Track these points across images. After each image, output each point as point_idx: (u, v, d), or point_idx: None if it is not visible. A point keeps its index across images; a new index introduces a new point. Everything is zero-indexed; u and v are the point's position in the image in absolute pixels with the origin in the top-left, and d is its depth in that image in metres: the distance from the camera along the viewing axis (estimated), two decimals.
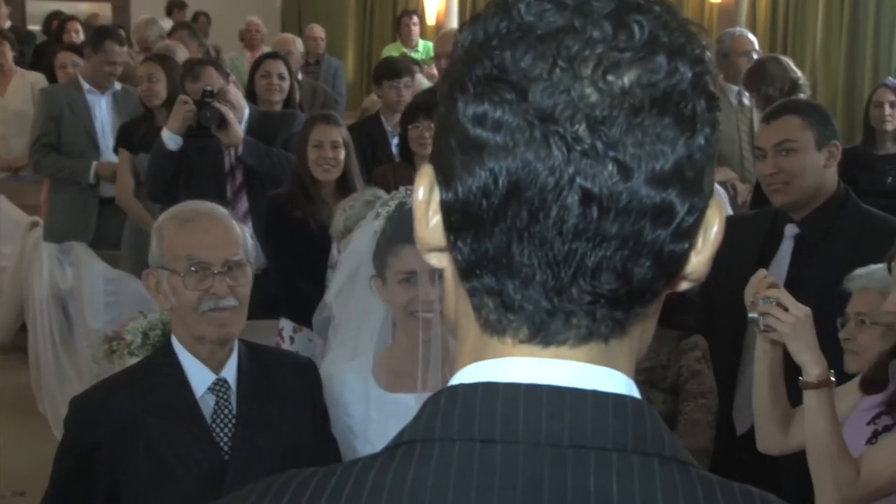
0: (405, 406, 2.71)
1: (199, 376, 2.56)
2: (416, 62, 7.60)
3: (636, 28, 0.90)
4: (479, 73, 0.91)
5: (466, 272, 0.96)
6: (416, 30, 11.58)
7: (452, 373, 0.99)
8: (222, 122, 5.32)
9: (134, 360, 5.23)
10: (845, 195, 3.73)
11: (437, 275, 2.64)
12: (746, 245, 3.57)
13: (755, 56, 6.83)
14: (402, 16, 11.89)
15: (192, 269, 2.50)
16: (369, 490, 0.93)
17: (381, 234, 2.81)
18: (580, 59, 0.89)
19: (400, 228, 2.72)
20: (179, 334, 2.58)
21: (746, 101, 6.58)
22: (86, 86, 6.89)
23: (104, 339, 5.58)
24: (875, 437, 2.69)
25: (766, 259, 3.55)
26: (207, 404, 2.56)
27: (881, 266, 3.17)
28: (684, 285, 0.98)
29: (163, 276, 2.54)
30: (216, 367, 2.58)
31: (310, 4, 14.94)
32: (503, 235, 0.91)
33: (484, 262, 0.93)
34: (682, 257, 0.94)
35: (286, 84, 6.37)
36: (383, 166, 5.73)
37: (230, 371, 2.60)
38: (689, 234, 0.93)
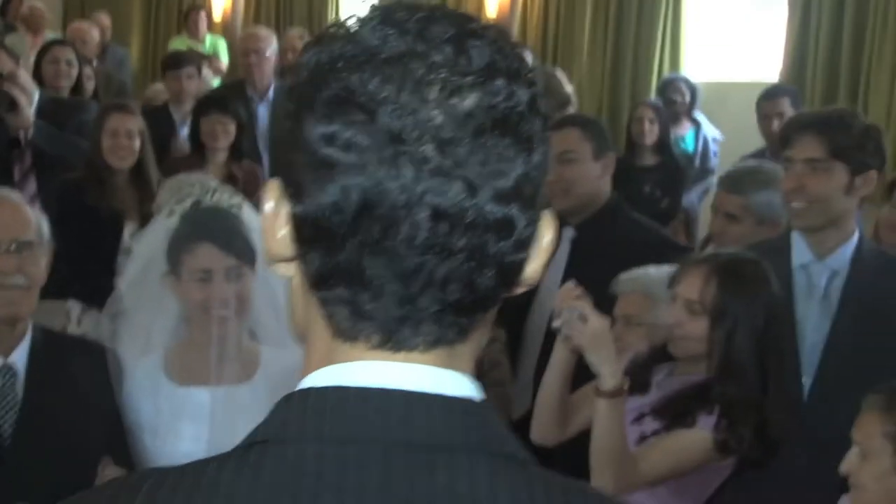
0: (198, 400, 2.68)
1: None
2: (203, 56, 7.49)
3: (475, 53, 0.92)
4: (327, 95, 0.92)
5: (318, 282, 0.96)
6: (203, 25, 11.40)
7: (301, 376, 1.00)
8: (12, 105, 5.15)
9: None
10: (617, 203, 3.87)
11: (232, 273, 2.64)
12: None
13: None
14: (190, 10, 11.67)
15: None
16: (225, 491, 0.93)
17: (175, 232, 2.72)
18: (425, 82, 0.90)
19: (197, 226, 2.68)
20: None
21: None
22: None
23: None
24: (643, 439, 2.78)
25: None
26: None
27: (646, 270, 3.32)
28: (519, 290, 1.00)
29: None
30: (4, 350, 2.45)
31: None
32: (355, 249, 0.92)
33: (336, 274, 0.94)
34: (521, 266, 0.97)
35: (74, 71, 6.24)
36: (175, 157, 5.65)
37: (20, 356, 2.47)
38: (526, 244, 0.96)
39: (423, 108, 0.90)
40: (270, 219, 0.98)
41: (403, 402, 0.93)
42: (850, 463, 2.45)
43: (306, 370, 0.99)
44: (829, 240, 3.15)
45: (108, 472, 2.38)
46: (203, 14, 11.48)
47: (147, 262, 2.83)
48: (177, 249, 2.69)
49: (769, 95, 6.01)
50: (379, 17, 0.94)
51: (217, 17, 12.85)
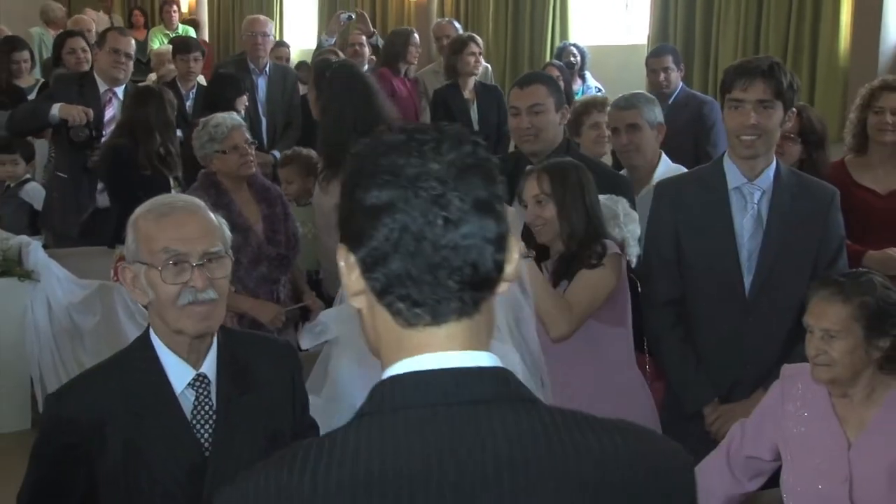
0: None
1: (179, 372, 1.98)
2: (205, 42, 7.23)
3: (450, 131, 1.15)
4: (368, 170, 1.12)
5: (383, 293, 1.13)
6: (175, 17, 11.03)
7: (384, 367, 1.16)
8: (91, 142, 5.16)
9: None
10: (569, 144, 3.79)
11: None
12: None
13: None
14: (163, 5, 11.34)
15: (170, 262, 1.93)
16: (353, 445, 1.10)
17: None
18: (424, 150, 1.12)
19: None
20: (158, 329, 2.00)
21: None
22: None
23: None
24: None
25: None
26: (188, 400, 1.99)
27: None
28: (504, 286, 1.17)
29: (140, 270, 1.96)
30: (195, 361, 2.00)
31: None
32: (401, 260, 1.10)
33: (394, 282, 1.12)
34: (503, 260, 1.14)
35: (89, 55, 6.08)
36: (191, 122, 5.41)
37: (209, 365, 2.02)
38: (503, 244, 1.14)
39: (426, 163, 1.11)
40: (345, 269, 1.17)
41: (452, 377, 1.12)
42: (816, 346, 2.37)
43: (385, 364, 1.16)
44: (759, 165, 3.07)
45: None
46: (175, 7, 11.20)
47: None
48: None
49: (657, 53, 5.91)
50: (393, 127, 1.17)
51: (185, 9, 12.54)
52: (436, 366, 1.12)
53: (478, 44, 6.34)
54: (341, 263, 1.16)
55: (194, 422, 1.98)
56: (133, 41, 5.53)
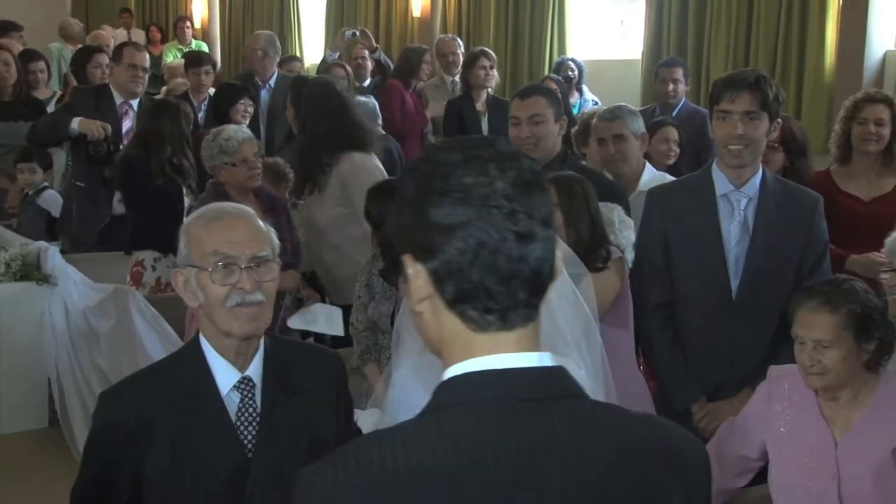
0: None
1: (225, 374, 1.96)
2: (211, 58, 7.25)
3: (504, 148, 1.20)
4: (436, 188, 1.16)
5: (456, 300, 1.18)
6: (189, 32, 11.06)
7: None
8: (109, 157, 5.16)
9: (0, 287, 4.78)
10: (567, 153, 3.81)
11: None
12: None
13: (461, 53, 6.89)
14: (178, 21, 11.35)
15: (220, 264, 1.91)
16: (423, 437, 1.14)
17: None
18: (489, 169, 1.16)
19: None
20: (207, 332, 1.98)
21: (458, 87, 6.63)
22: None
23: None
24: None
25: None
26: (233, 402, 1.97)
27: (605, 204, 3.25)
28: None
29: (191, 273, 1.95)
30: (242, 365, 1.98)
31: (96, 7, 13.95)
32: (477, 273, 1.15)
33: (469, 291, 1.17)
34: (556, 265, 1.21)
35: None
36: (201, 132, 5.42)
37: (255, 369, 1.99)
38: (554, 252, 1.20)
39: (493, 182, 1.16)
40: (412, 276, 1.20)
41: (525, 373, 1.18)
42: (809, 356, 2.35)
43: (448, 363, 1.20)
44: (746, 173, 3.08)
45: None
46: (188, 24, 11.23)
47: None
48: None
49: (669, 64, 5.99)
50: (443, 145, 1.22)
51: (198, 25, 12.57)
52: (510, 365, 1.17)
53: (489, 58, 6.37)
54: (409, 271, 1.20)
55: (238, 424, 1.96)
56: (147, 56, 5.56)
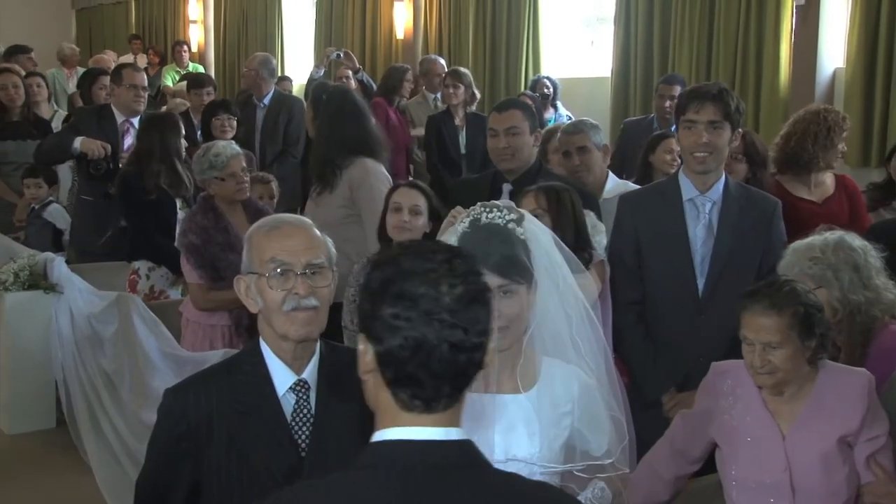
0: (480, 406, 2.00)
1: (282, 376, 1.95)
2: (212, 80, 7.21)
3: (458, 264, 1.34)
4: (392, 291, 1.31)
5: (391, 382, 1.33)
6: (186, 56, 11.01)
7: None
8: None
9: (9, 295, 4.75)
10: (541, 164, 3.80)
11: (504, 291, 1.99)
12: (476, 200, 3.53)
13: (443, 73, 6.90)
14: (175, 45, 11.30)
15: (277, 270, 1.93)
16: (348, 491, 1.31)
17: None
18: (440, 284, 1.31)
19: (465, 248, 1.98)
20: (265, 335, 1.98)
21: (440, 103, 6.62)
22: None
23: None
24: None
25: None
26: (288, 403, 1.95)
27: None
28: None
29: (251, 280, 1.97)
30: (298, 368, 1.96)
31: (98, 34, 13.86)
32: (413, 367, 1.30)
33: (402, 378, 1.32)
34: (484, 360, 1.36)
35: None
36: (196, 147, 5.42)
37: (311, 372, 1.97)
38: (481, 357, 1.36)
39: (439, 296, 1.30)
40: (363, 352, 1.36)
41: (437, 445, 1.33)
42: (759, 357, 2.31)
43: (379, 426, 1.37)
44: (710, 179, 3.10)
45: None
46: (185, 48, 11.17)
47: None
48: None
49: (668, 81, 5.99)
50: (411, 250, 1.36)
51: (195, 49, 12.52)
52: (425, 437, 1.33)
53: (457, 76, 6.34)
54: (360, 346, 1.36)
55: (293, 424, 1.94)
56: (145, 76, 5.56)
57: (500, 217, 2.06)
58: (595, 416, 2.07)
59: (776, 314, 2.28)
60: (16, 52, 8.07)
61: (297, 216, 2.08)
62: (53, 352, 4.74)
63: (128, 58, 10.93)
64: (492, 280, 1.92)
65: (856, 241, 2.67)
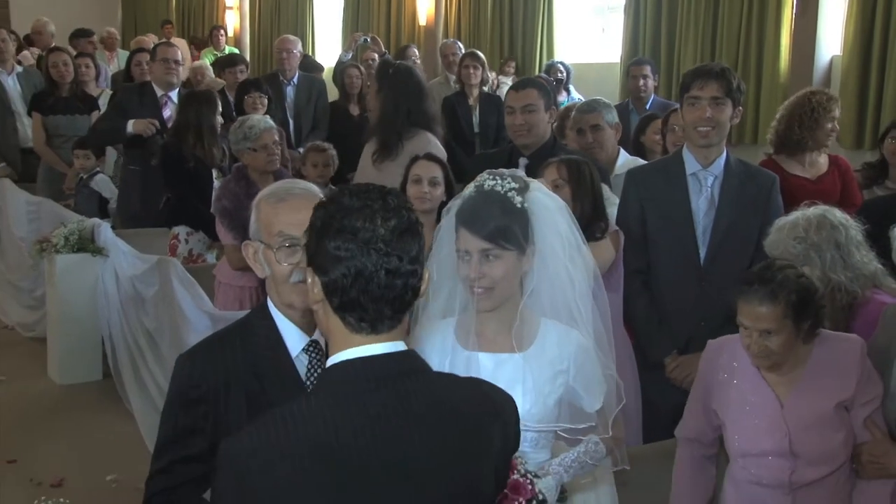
0: (480, 364, 2.01)
1: (294, 338, 1.84)
2: (244, 59, 7.16)
3: (391, 201, 1.38)
4: (335, 227, 1.36)
5: (338, 308, 1.38)
6: (222, 39, 10.96)
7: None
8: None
9: (60, 258, 4.79)
10: (555, 140, 3.74)
11: (486, 255, 1.96)
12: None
13: (460, 54, 6.84)
14: (213, 29, 11.26)
15: (285, 244, 1.83)
16: (309, 413, 1.33)
17: (456, 210, 2.06)
18: (375, 218, 1.36)
19: (462, 212, 2.01)
20: (273, 300, 1.88)
21: (454, 84, 6.58)
22: None
23: (35, 242, 5.00)
24: None
25: None
26: (301, 363, 1.84)
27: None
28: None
29: (259, 247, 1.87)
30: (309, 329, 1.85)
31: (142, 19, 13.84)
32: (356, 293, 1.36)
33: (347, 304, 1.37)
34: (419, 286, 1.41)
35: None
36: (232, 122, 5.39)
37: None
38: (420, 276, 1.41)
39: (376, 228, 1.35)
40: (311, 284, 1.41)
41: (384, 358, 1.39)
42: (757, 343, 2.25)
43: (333, 351, 1.41)
44: (712, 154, 3.05)
45: None
46: (222, 32, 11.12)
47: (447, 237, 2.09)
48: (453, 230, 2.04)
49: (638, 63, 5.90)
50: (348, 191, 1.40)
51: (231, 34, 12.48)
52: (373, 353, 1.38)
53: (474, 58, 6.25)
54: (309, 279, 1.41)
55: (308, 383, 1.84)
56: (179, 50, 5.53)
57: (500, 185, 2.00)
58: (590, 375, 2.04)
59: (771, 303, 2.21)
60: (80, 35, 8.22)
61: (306, 185, 1.96)
62: (100, 310, 4.78)
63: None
64: (476, 243, 1.96)
65: (837, 215, 2.61)
